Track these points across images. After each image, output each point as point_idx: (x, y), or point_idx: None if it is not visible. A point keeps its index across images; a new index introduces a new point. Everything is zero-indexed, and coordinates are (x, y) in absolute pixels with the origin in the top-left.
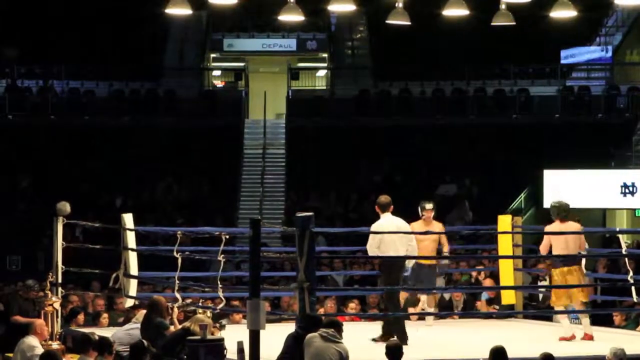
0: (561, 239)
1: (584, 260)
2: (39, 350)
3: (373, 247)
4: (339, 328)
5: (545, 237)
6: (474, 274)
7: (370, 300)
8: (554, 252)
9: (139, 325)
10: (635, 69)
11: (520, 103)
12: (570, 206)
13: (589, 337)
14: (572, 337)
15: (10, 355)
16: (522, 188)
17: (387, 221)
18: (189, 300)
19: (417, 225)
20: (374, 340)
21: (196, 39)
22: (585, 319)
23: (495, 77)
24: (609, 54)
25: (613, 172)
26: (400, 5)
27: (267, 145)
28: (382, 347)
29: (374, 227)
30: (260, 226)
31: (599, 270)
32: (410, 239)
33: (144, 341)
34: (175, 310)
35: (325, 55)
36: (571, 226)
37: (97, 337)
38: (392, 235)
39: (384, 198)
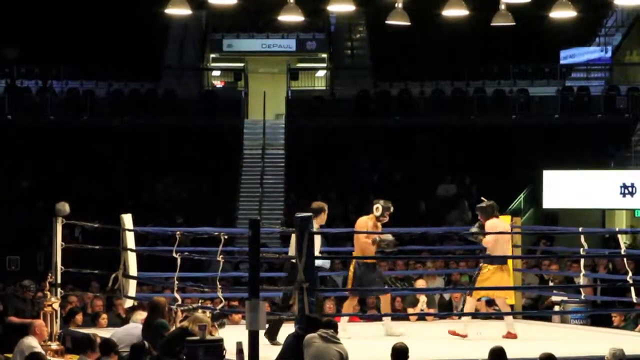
0: (505, 237)
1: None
2: (38, 350)
3: None
4: (335, 329)
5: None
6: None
7: (369, 300)
8: (497, 248)
9: (138, 326)
10: (635, 69)
11: (520, 103)
12: (571, 207)
13: (512, 336)
14: (515, 336)
15: (10, 355)
16: (521, 188)
17: None
18: (194, 305)
19: (370, 222)
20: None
21: (195, 39)
22: (509, 318)
23: (494, 78)
24: (609, 54)
25: (612, 173)
26: (400, 5)
27: (267, 146)
28: (380, 347)
29: None
30: (260, 227)
31: (600, 270)
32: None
33: (145, 342)
34: (179, 312)
35: (324, 55)
36: (504, 221)
37: (97, 338)
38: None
39: (314, 203)
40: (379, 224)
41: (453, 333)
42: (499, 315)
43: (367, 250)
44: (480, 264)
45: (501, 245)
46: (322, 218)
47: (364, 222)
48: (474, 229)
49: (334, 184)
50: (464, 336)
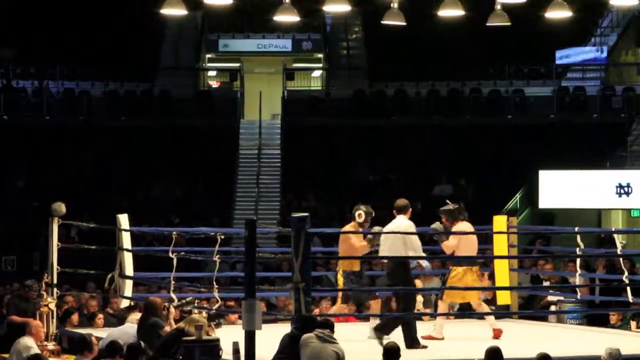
0: (471, 239)
1: None
2: (35, 351)
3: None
4: (331, 329)
5: (456, 237)
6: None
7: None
8: (462, 251)
9: (134, 326)
10: (630, 69)
11: (516, 103)
12: (567, 207)
13: (498, 332)
14: (500, 332)
15: (6, 355)
16: (517, 188)
17: (391, 224)
18: (188, 299)
19: (353, 229)
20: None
21: (191, 40)
22: (491, 318)
23: (490, 78)
24: (604, 54)
25: (608, 173)
26: (396, 5)
27: (263, 146)
28: (376, 347)
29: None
30: (256, 227)
31: (599, 270)
32: (411, 244)
33: (141, 342)
34: (172, 310)
35: (320, 55)
36: (467, 225)
37: (93, 338)
38: (395, 238)
39: (400, 200)
40: (360, 230)
41: (429, 337)
42: (495, 316)
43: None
44: (450, 267)
45: (465, 248)
46: (409, 215)
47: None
48: (438, 226)
49: (330, 184)
50: (441, 339)
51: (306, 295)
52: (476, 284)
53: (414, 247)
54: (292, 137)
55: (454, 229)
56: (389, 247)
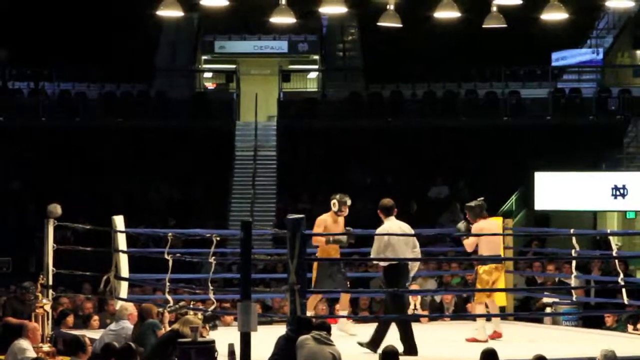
0: (492, 237)
1: None
2: (31, 353)
3: (376, 252)
4: (328, 331)
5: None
6: (469, 276)
7: (361, 302)
8: (483, 249)
9: (123, 325)
10: (626, 71)
11: (512, 105)
12: (562, 208)
13: (497, 335)
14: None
15: (2, 357)
16: (513, 190)
17: (393, 225)
18: (182, 303)
19: (330, 218)
20: (359, 343)
21: (187, 41)
22: (497, 319)
23: (486, 80)
24: (600, 56)
25: (604, 175)
26: (392, 7)
27: (259, 148)
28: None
29: (379, 231)
30: (252, 228)
31: (594, 272)
32: (415, 244)
33: (130, 343)
34: (167, 314)
35: (316, 57)
36: (489, 222)
37: (86, 339)
38: (399, 240)
39: (386, 201)
40: (339, 219)
41: (473, 340)
42: (490, 317)
43: (323, 249)
44: (475, 267)
45: (487, 246)
46: (394, 214)
47: (322, 220)
48: (461, 226)
49: (326, 186)
50: (485, 341)
51: (302, 297)
52: (502, 282)
53: (419, 252)
54: (288, 139)
55: (476, 225)
56: (393, 250)
